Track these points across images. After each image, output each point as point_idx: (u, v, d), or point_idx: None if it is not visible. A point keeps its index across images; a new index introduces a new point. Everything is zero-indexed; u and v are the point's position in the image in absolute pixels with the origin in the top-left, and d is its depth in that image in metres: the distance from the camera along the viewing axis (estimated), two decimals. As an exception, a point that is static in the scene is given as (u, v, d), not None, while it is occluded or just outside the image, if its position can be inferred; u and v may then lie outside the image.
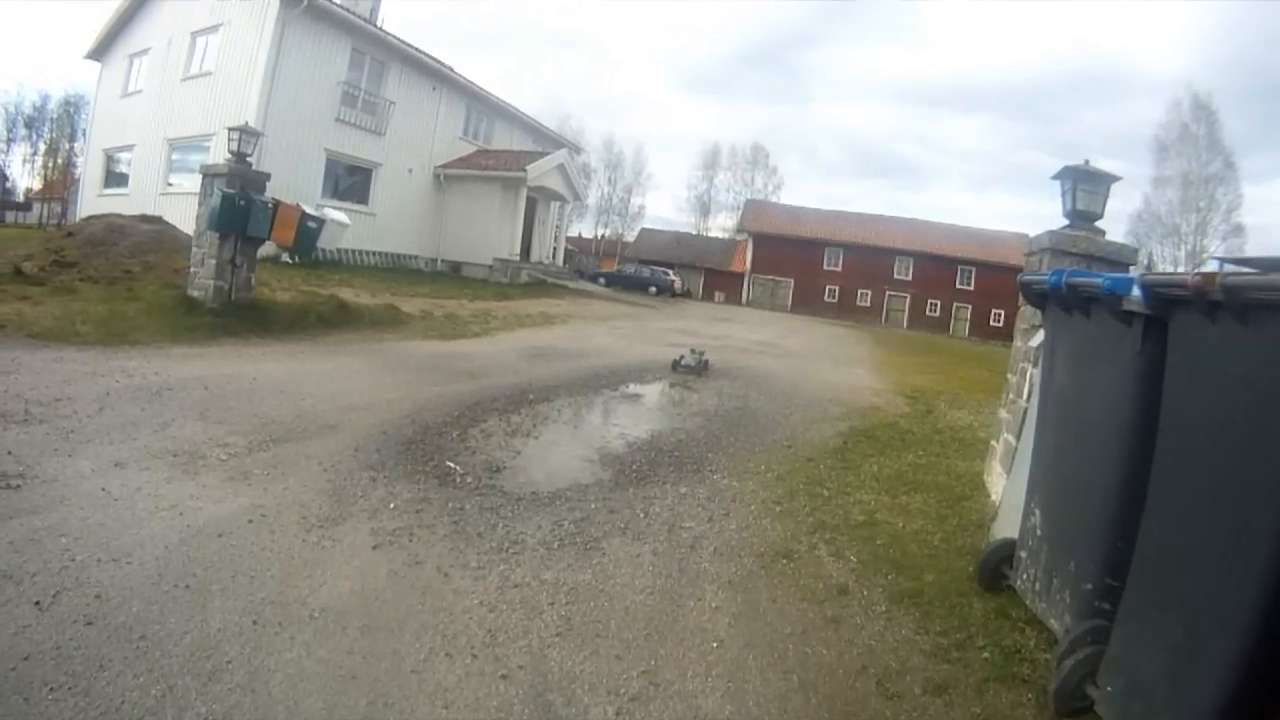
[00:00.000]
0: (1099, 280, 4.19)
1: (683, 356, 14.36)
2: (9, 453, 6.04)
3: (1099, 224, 7.16)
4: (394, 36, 29.95)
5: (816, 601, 5.03)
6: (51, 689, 3.33)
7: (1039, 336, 6.15)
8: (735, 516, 6.50)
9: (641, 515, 6.30)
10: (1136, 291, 3.76)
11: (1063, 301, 4.71)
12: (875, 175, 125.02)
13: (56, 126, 72.42)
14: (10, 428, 6.69)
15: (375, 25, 29.74)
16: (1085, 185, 7.05)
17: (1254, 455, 2.99)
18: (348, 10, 27.38)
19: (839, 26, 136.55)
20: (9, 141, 72.75)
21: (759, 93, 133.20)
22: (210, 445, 6.88)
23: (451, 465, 7.09)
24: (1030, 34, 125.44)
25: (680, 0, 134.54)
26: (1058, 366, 4.94)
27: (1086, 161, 7.07)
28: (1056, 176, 7.23)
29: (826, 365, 19.00)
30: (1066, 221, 7.14)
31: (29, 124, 72.90)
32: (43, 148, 72.96)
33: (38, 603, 4.00)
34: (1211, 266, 3.86)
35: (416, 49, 31.36)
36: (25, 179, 74.26)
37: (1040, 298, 5.18)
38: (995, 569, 5.27)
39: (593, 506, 6.40)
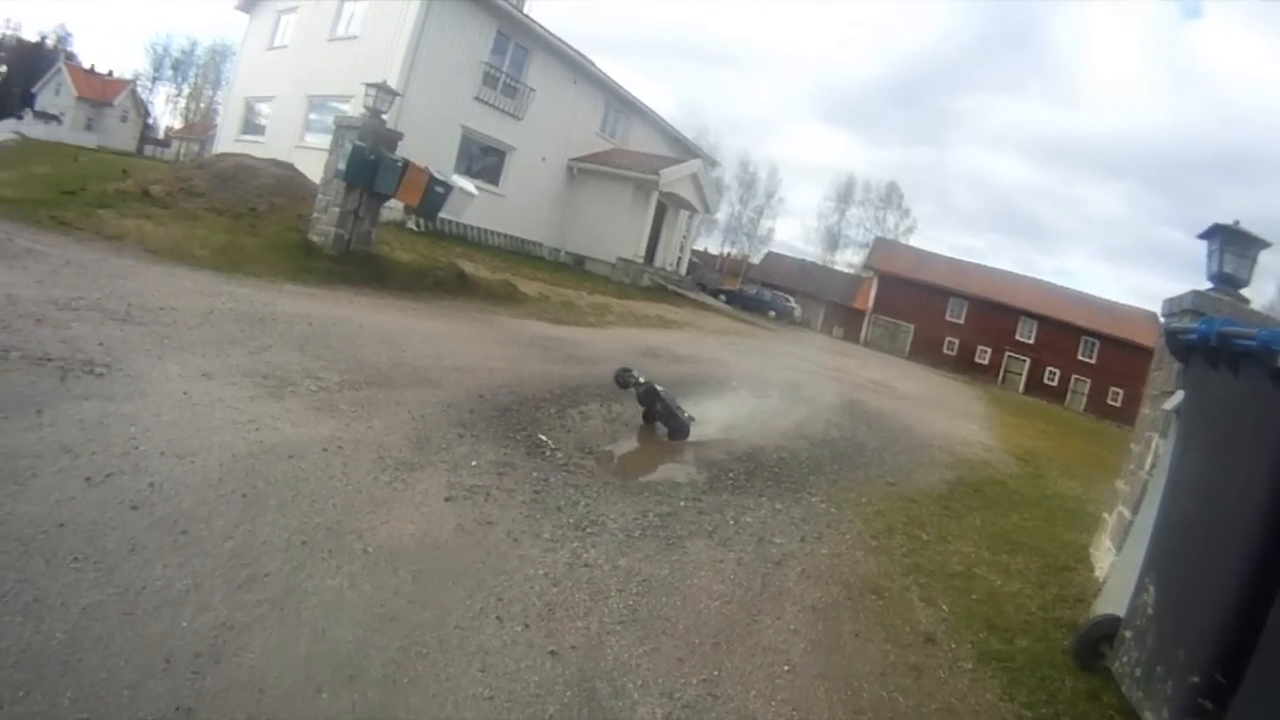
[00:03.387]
0: (1253, 331, 3.77)
1: (630, 371, 8.79)
2: (100, 344, 6.14)
3: (1244, 293, 6.71)
4: (539, 25, 29.61)
5: (901, 645, 4.68)
6: (76, 559, 3.32)
7: (1175, 399, 5.71)
8: (828, 542, 6.16)
9: (731, 522, 6.02)
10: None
11: (1210, 356, 4.28)
12: (1008, 231, 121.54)
13: (202, 72, 78.52)
14: (108, 323, 6.80)
15: (521, 11, 29.56)
16: (1233, 247, 6.58)
17: None
18: (496, -8, 27.46)
19: (988, 72, 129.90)
20: (155, 80, 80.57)
21: (899, 131, 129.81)
22: (302, 375, 6.85)
23: (543, 438, 6.90)
24: (1181, 104, 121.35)
25: (829, 28, 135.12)
26: (1195, 432, 4.51)
27: (1236, 222, 6.61)
28: (1204, 235, 6.77)
29: (939, 414, 18.42)
30: (1210, 284, 6.70)
31: (175, 67, 79.85)
32: (186, 90, 79.63)
33: (88, 478, 4.02)
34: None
35: (560, 40, 30.89)
36: (167, 117, 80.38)
37: (1185, 351, 4.76)
38: (1094, 646, 4.85)
39: (681, 504, 6.14)
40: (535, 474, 5.92)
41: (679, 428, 8.32)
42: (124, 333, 6.65)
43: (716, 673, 3.79)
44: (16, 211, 11.44)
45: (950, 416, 18.40)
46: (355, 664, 3.14)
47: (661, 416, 8.36)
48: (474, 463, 5.82)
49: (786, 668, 4.03)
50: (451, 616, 3.65)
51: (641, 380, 8.51)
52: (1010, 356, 57.18)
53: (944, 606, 5.39)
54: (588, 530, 5.12)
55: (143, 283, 8.82)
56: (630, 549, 5.01)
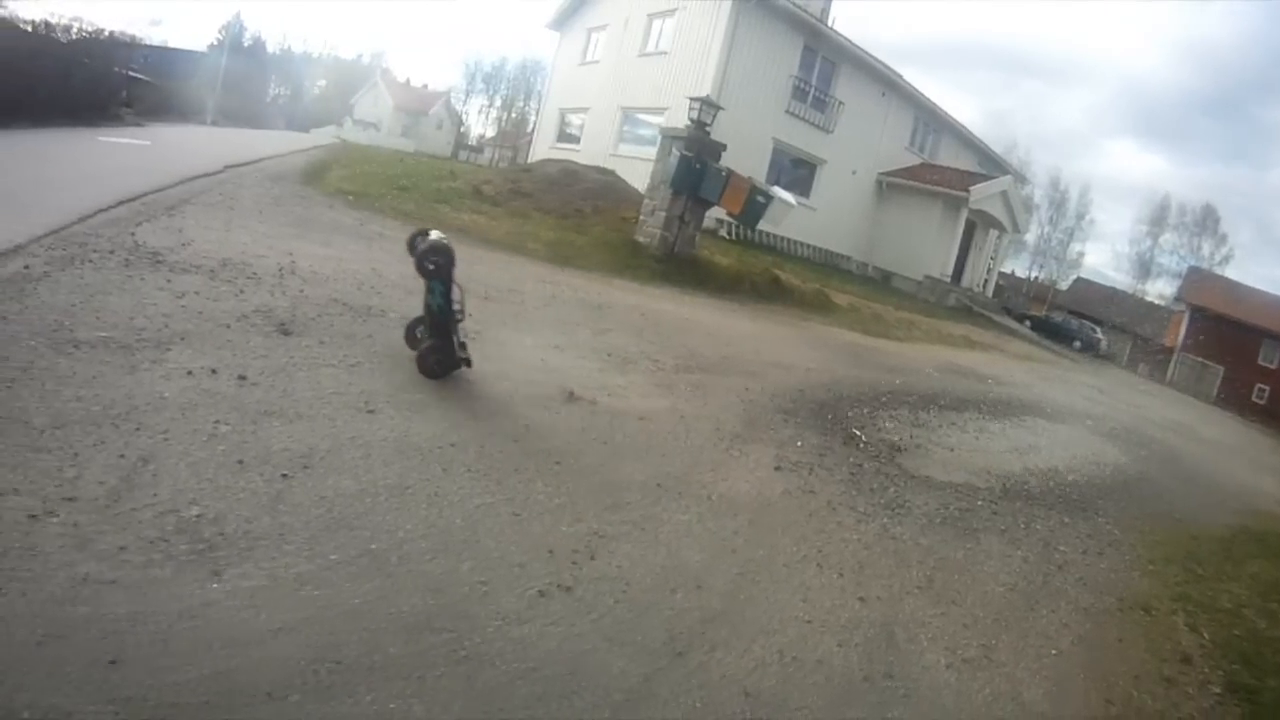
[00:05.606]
0: None
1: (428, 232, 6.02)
2: (470, 315, 7.18)
3: None
4: (845, 38, 29.42)
5: (1159, 658, 4.95)
6: (468, 470, 4.34)
7: None
8: (1108, 559, 6.45)
9: (1021, 526, 6.46)
10: None
11: None
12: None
13: (513, 85, 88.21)
14: (469, 299, 7.79)
15: (827, 25, 29.44)
16: None
17: None
18: (800, 8, 27.27)
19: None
20: (467, 93, 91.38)
21: (1215, 146, 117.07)
22: (641, 357, 7.85)
23: (857, 433, 7.53)
24: None
25: (1142, 36, 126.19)
26: None
27: None
28: None
29: (1237, 463, 17.41)
30: None
31: (487, 80, 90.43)
32: (499, 102, 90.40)
33: (473, 414, 5.23)
34: None
35: (867, 53, 30.49)
36: (478, 126, 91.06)
37: None
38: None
39: (979, 504, 6.64)
40: (851, 460, 6.60)
41: (439, 350, 5.44)
42: (484, 308, 7.74)
43: (993, 642, 4.29)
44: (360, 203, 13.10)
45: (1247, 466, 17.43)
46: (701, 578, 3.91)
47: (433, 317, 5.49)
48: (798, 443, 6.60)
49: (1054, 652, 4.46)
50: (779, 557, 4.41)
51: (442, 242, 5.53)
52: (1322, 411, 48.25)
53: (1205, 635, 5.54)
54: (896, 511, 5.76)
55: (488, 269, 10.03)
56: (931, 531, 5.60)
